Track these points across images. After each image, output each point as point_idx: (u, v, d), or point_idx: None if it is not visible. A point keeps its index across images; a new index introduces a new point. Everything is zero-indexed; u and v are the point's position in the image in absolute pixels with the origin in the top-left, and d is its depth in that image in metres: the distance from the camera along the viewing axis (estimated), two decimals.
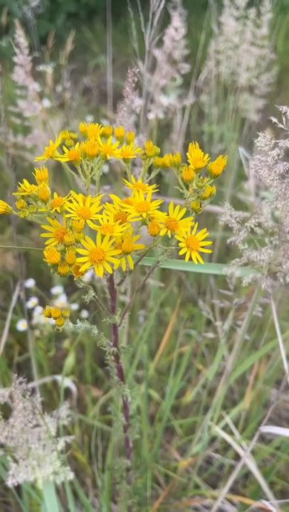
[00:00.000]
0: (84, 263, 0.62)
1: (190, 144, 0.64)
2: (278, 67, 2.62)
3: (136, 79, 1.06)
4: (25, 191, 0.68)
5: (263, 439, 1.82)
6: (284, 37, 3.22)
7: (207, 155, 0.64)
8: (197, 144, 0.65)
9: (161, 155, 0.77)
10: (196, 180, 0.63)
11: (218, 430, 1.43)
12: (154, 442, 1.64)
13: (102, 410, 1.87)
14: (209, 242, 0.66)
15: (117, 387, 0.96)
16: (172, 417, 1.79)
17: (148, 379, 1.63)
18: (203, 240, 0.66)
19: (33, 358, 1.57)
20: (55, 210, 0.68)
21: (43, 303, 1.73)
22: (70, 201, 0.69)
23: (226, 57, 2.33)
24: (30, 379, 1.86)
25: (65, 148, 0.75)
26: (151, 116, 2.00)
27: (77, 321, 0.77)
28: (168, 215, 0.66)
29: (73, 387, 1.75)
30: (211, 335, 1.35)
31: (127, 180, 0.76)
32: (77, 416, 1.82)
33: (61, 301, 1.56)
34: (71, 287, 2.17)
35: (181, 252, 0.65)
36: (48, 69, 2.30)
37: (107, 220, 0.66)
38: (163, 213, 0.66)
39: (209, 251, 0.64)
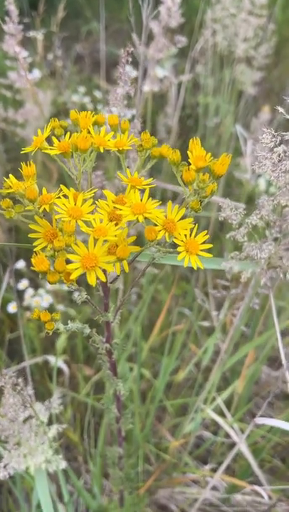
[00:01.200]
0: (75, 269, 0.58)
1: (191, 140, 0.59)
2: (277, 37, 2.52)
3: (131, 49, 0.99)
4: (10, 187, 0.63)
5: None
6: (283, 6, 3.10)
7: (210, 154, 0.60)
8: (198, 140, 0.60)
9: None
10: (197, 181, 0.59)
11: (211, 413, 1.43)
12: (145, 422, 1.64)
13: (94, 388, 1.86)
14: (210, 245, 0.62)
15: (110, 381, 0.94)
16: (164, 395, 1.79)
17: (141, 361, 1.62)
18: (203, 243, 0.62)
19: (24, 339, 1.55)
20: (44, 209, 0.63)
21: (34, 283, 1.69)
22: (60, 197, 0.65)
23: (222, 27, 2.23)
24: (21, 358, 1.84)
25: (54, 138, 0.70)
26: (146, 88, 1.92)
27: (68, 322, 0.74)
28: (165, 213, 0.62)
29: (65, 368, 1.74)
30: (206, 323, 1.32)
31: (122, 172, 0.71)
32: (70, 394, 1.82)
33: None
34: None
35: (179, 257, 0.61)
36: (38, 35, 2.19)
37: (100, 221, 0.62)
38: (160, 212, 0.62)
39: (210, 255, 0.60)
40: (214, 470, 1.69)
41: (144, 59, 1.86)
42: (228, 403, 1.69)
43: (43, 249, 0.62)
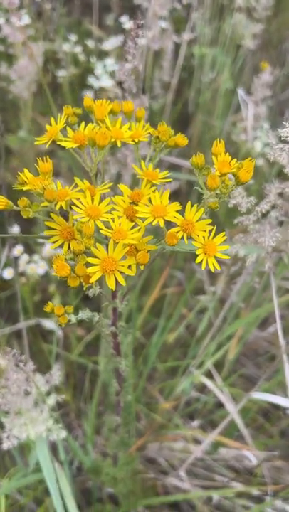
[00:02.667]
0: (95, 272, 0.58)
1: (214, 142, 0.58)
2: None
3: (141, 22, 0.93)
4: (25, 183, 0.61)
5: (245, 381, 1.90)
6: None
7: (235, 160, 0.58)
8: (223, 143, 0.58)
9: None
10: (221, 187, 0.57)
11: (203, 379, 1.48)
12: (138, 382, 1.69)
13: (86, 348, 1.90)
14: (228, 247, 0.62)
15: (112, 360, 0.96)
16: (156, 359, 1.84)
17: (136, 328, 1.65)
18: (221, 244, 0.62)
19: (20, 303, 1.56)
20: (60, 206, 0.61)
21: (28, 249, 1.68)
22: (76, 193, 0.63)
23: None
24: (14, 317, 1.86)
25: (69, 130, 0.67)
26: (145, 43, 1.84)
27: (79, 311, 0.74)
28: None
29: (58, 331, 1.76)
30: (203, 297, 1.34)
31: (136, 164, 0.69)
32: (63, 354, 1.85)
33: (48, 249, 1.51)
34: None
35: (197, 260, 0.60)
36: None
37: (118, 218, 0.61)
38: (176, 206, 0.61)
39: (227, 257, 0.60)
40: (201, 426, 1.76)
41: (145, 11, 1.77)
42: (218, 364, 1.75)
43: (61, 246, 0.61)
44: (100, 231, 0.59)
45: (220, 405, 1.75)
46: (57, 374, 1.11)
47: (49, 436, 1.11)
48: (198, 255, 0.61)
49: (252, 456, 1.38)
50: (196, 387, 1.83)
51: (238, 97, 2.70)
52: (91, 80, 2.14)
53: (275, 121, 2.52)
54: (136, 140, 0.69)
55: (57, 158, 2.40)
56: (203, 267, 0.60)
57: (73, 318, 0.71)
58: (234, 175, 0.59)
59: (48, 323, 1.73)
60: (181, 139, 0.70)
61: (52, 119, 0.68)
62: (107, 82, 1.99)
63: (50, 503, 1.48)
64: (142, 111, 0.72)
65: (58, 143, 0.67)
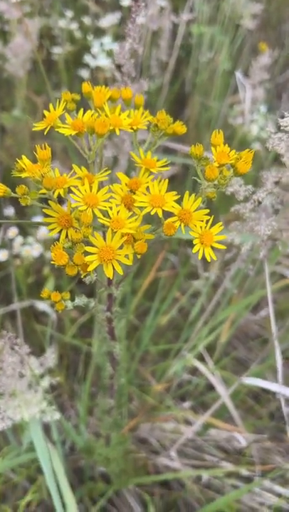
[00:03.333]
0: (92, 261, 0.58)
1: (213, 133, 0.57)
2: None
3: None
4: (23, 170, 0.61)
5: (236, 363, 1.92)
6: None
7: (234, 151, 0.58)
8: (222, 133, 0.58)
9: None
10: (219, 177, 0.57)
11: (195, 363, 1.49)
12: (130, 365, 1.71)
13: (80, 330, 1.91)
14: (224, 236, 0.62)
15: (107, 344, 0.97)
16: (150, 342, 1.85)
17: (130, 311, 1.66)
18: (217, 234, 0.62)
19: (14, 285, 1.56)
20: (58, 193, 0.61)
21: (23, 231, 1.67)
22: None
23: None
24: (9, 300, 1.86)
25: (67, 116, 0.66)
26: (142, 21, 1.81)
27: (76, 297, 0.75)
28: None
29: (52, 313, 1.77)
30: (196, 282, 1.35)
31: (134, 152, 0.69)
32: (56, 335, 1.86)
33: (42, 232, 1.51)
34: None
35: (194, 250, 0.61)
36: None
37: (116, 207, 0.61)
38: (175, 202, 0.61)
39: (224, 247, 0.61)
40: (193, 408, 1.79)
41: None
42: (209, 347, 1.77)
43: (59, 233, 0.61)
44: (98, 220, 0.59)
45: (211, 387, 1.78)
46: (51, 357, 1.12)
47: (43, 418, 1.13)
48: (194, 244, 0.61)
49: (241, 438, 1.40)
50: (188, 369, 1.85)
51: (235, 78, 2.68)
52: (87, 59, 2.11)
53: (273, 103, 2.50)
54: (134, 128, 0.69)
55: (51, 139, 2.38)
56: (199, 257, 0.60)
57: (70, 305, 0.71)
58: (232, 166, 0.59)
59: (42, 305, 1.74)
60: (180, 127, 0.69)
61: (50, 106, 0.67)
62: (104, 62, 1.96)
63: (43, 481, 1.51)
64: (141, 98, 0.71)
65: (56, 129, 0.66)
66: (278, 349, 1.00)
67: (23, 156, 0.62)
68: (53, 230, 0.62)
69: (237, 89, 2.60)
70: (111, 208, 0.60)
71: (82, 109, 0.67)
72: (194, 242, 0.61)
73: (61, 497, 1.29)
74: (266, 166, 2.30)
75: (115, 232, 0.58)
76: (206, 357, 1.60)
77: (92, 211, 0.60)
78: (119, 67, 1.00)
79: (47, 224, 0.63)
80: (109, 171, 0.65)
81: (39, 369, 1.10)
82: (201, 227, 0.61)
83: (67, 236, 0.61)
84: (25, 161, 0.61)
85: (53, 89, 2.36)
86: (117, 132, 0.65)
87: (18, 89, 2.06)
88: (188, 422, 1.69)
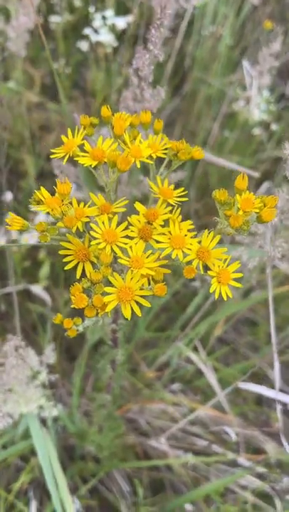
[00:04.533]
0: (111, 301, 0.58)
1: (239, 177, 0.56)
2: None
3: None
4: (41, 201, 0.59)
5: (224, 345, 1.95)
6: None
7: (259, 199, 0.57)
8: (246, 177, 0.57)
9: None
10: (243, 224, 0.57)
11: (191, 356, 1.52)
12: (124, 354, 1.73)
13: (74, 312, 1.92)
14: (241, 274, 0.62)
15: (110, 352, 0.98)
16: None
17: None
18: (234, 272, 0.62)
19: (12, 269, 1.56)
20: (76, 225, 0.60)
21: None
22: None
23: None
24: (3, 282, 1.86)
25: (86, 144, 0.64)
26: None
27: (86, 319, 0.74)
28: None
29: (46, 297, 1.77)
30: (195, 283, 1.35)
31: (151, 180, 0.67)
32: (51, 315, 1.87)
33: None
34: None
35: (211, 289, 0.61)
36: None
37: (135, 245, 0.60)
38: (194, 241, 0.60)
39: (240, 285, 0.61)
40: (182, 391, 1.83)
41: None
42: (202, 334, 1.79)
43: (79, 271, 0.60)
44: (118, 260, 0.58)
45: (201, 372, 1.82)
46: (51, 355, 1.13)
47: (41, 413, 1.15)
48: (212, 284, 0.61)
49: (231, 431, 1.45)
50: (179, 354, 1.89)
51: (237, 54, 2.61)
52: (88, 31, 2.03)
53: (275, 82, 2.45)
54: (153, 156, 0.67)
55: (47, 111, 2.31)
56: (216, 296, 0.60)
57: (81, 328, 0.71)
58: (257, 214, 0.58)
59: (36, 289, 1.74)
60: (198, 153, 0.68)
61: (69, 131, 0.64)
62: (106, 37, 1.88)
63: (36, 461, 1.55)
64: (160, 123, 0.69)
65: (75, 158, 0.64)
66: (277, 362, 1.02)
67: (42, 188, 0.60)
68: (70, 262, 0.61)
69: (238, 66, 2.54)
70: (130, 247, 0.59)
71: (101, 138, 0.65)
72: (212, 282, 0.61)
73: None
74: (268, 148, 2.28)
75: (135, 273, 0.57)
76: (199, 348, 1.62)
77: (112, 248, 0.59)
78: (136, 71, 0.96)
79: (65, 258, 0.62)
80: (127, 201, 0.64)
81: (39, 367, 1.11)
82: (218, 266, 0.61)
83: (83, 272, 0.60)
84: (44, 193, 0.60)
85: (52, 59, 2.27)
86: (138, 164, 0.63)
87: (15, 60, 1.99)
88: (177, 405, 1.73)
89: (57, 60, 2.19)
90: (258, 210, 0.57)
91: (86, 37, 2.10)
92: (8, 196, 1.49)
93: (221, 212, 0.60)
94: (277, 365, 1.02)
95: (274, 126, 2.16)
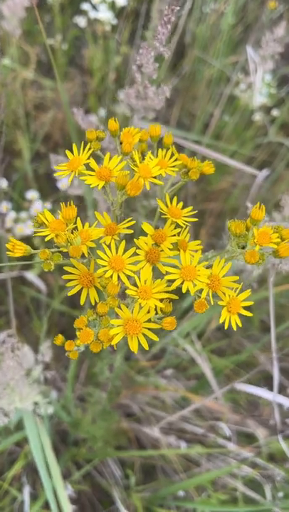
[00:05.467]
0: (117, 334, 0.55)
1: (254, 208, 0.53)
2: None
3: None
4: (44, 224, 0.56)
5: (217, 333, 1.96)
6: None
7: (276, 234, 0.54)
8: (263, 208, 0.54)
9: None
10: (259, 258, 0.54)
11: (187, 348, 1.52)
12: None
13: (68, 297, 1.91)
14: (251, 303, 0.60)
15: (108, 357, 0.97)
16: None
17: None
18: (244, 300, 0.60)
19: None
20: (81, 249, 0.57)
21: (16, 204, 1.60)
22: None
23: None
24: None
25: (92, 161, 0.60)
26: None
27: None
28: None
29: (41, 284, 1.74)
30: None
31: (161, 200, 0.64)
32: (45, 301, 1.85)
33: (37, 208, 1.45)
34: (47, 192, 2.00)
35: (221, 319, 0.59)
36: None
37: (142, 270, 0.57)
38: (206, 271, 0.58)
39: (250, 314, 0.59)
40: (175, 376, 1.84)
41: None
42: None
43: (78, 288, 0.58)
44: (126, 291, 0.56)
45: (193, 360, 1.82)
46: (48, 353, 1.11)
47: (36, 409, 1.14)
48: (221, 313, 0.59)
49: (226, 428, 1.46)
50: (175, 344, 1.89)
51: (238, 34, 2.52)
52: (86, 7, 1.94)
53: (278, 64, 2.38)
54: (163, 174, 0.63)
55: (42, 89, 2.24)
56: (226, 327, 0.59)
57: (82, 348, 0.69)
58: (274, 250, 0.55)
59: (30, 275, 1.71)
60: (208, 168, 0.65)
61: (74, 146, 0.60)
62: (105, 14, 1.80)
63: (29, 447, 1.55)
64: (170, 137, 0.65)
65: (81, 179, 0.60)
66: (276, 367, 1.02)
67: (46, 211, 0.57)
68: (73, 287, 0.59)
69: (240, 46, 2.46)
70: (137, 274, 0.57)
71: (108, 154, 0.61)
72: (222, 312, 0.59)
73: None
74: (271, 133, 2.23)
75: (142, 306, 0.55)
76: (194, 340, 1.62)
77: (118, 276, 0.56)
78: (139, 67, 0.91)
79: (68, 282, 0.59)
80: (133, 221, 0.61)
81: (35, 366, 1.10)
82: (229, 295, 0.59)
83: (89, 301, 0.58)
84: (47, 215, 0.56)
85: (47, 36, 2.18)
86: (147, 186, 0.60)
87: (10, 37, 1.90)
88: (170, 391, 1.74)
89: (53, 35, 2.10)
90: (275, 246, 0.54)
91: (84, 12, 2.01)
92: (3, 183, 1.45)
93: (234, 242, 0.57)
94: (276, 370, 1.02)
95: (275, 112, 2.11)
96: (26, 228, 1.43)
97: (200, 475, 1.55)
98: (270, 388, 1.20)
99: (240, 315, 0.58)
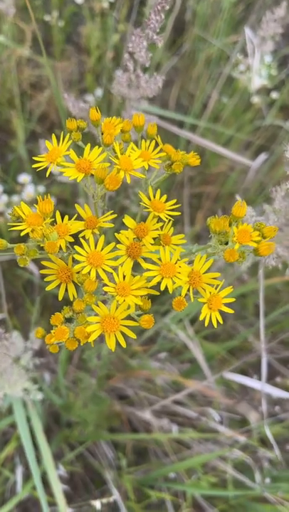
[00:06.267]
0: (94, 331, 0.54)
1: (236, 204, 0.52)
2: None
3: None
4: (21, 218, 0.54)
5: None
6: None
7: (257, 232, 0.53)
8: (245, 204, 0.52)
9: None
10: (238, 257, 0.53)
11: (180, 334, 1.51)
12: None
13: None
14: (233, 299, 0.59)
15: (96, 345, 0.97)
16: None
17: None
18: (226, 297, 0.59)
19: None
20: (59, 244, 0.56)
21: (8, 187, 1.57)
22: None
23: None
24: None
25: (72, 153, 0.58)
26: None
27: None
28: None
29: (34, 267, 1.73)
30: None
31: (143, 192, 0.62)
32: (38, 283, 1.84)
33: (29, 191, 1.43)
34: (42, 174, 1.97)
35: (201, 317, 0.58)
36: None
37: (121, 267, 0.56)
38: (187, 267, 0.57)
39: (232, 311, 0.58)
40: (168, 360, 1.85)
41: None
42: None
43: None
44: (104, 288, 0.54)
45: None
46: (37, 342, 1.11)
47: (25, 396, 1.14)
48: (202, 310, 0.58)
49: (215, 415, 1.47)
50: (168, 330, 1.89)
51: (239, 12, 2.46)
52: None
53: (279, 45, 2.32)
54: (146, 167, 0.61)
55: (39, 67, 2.19)
56: (206, 324, 0.58)
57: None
58: (254, 248, 0.54)
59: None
60: (193, 159, 0.63)
61: (53, 137, 0.58)
62: None
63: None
64: (154, 127, 0.63)
65: (60, 171, 0.58)
66: (265, 358, 1.01)
67: (22, 203, 0.55)
68: (51, 282, 0.58)
69: (241, 25, 2.39)
70: (115, 269, 0.56)
71: (89, 145, 0.59)
72: (202, 309, 0.58)
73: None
74: (268, 116, 2.19)
75: (120, 302, 0.54)
76: (187, 326, 1.62)
77: (96, 272, 0.55)
78: (131, 54, 0.88)
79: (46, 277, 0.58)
80: (115, 215, 0.59)
81: (24, 354, 1.10)
82: (210, 292, 0.58)
83: (67, 289, 0.56)
84: (24, 209, 0.55)
85: (43, 12, 2.13)
86: (128, 179, 0.58)
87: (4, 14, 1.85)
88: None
89: (50, 12, 2.05)
90: (255, 245, 0.53)
91: None
92: None
93: (215, 240, 0.56)
94: (264, 360, 1.02)
95: (274, 94, 2.07)
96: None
97: (191, 458, 1.57)
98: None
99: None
